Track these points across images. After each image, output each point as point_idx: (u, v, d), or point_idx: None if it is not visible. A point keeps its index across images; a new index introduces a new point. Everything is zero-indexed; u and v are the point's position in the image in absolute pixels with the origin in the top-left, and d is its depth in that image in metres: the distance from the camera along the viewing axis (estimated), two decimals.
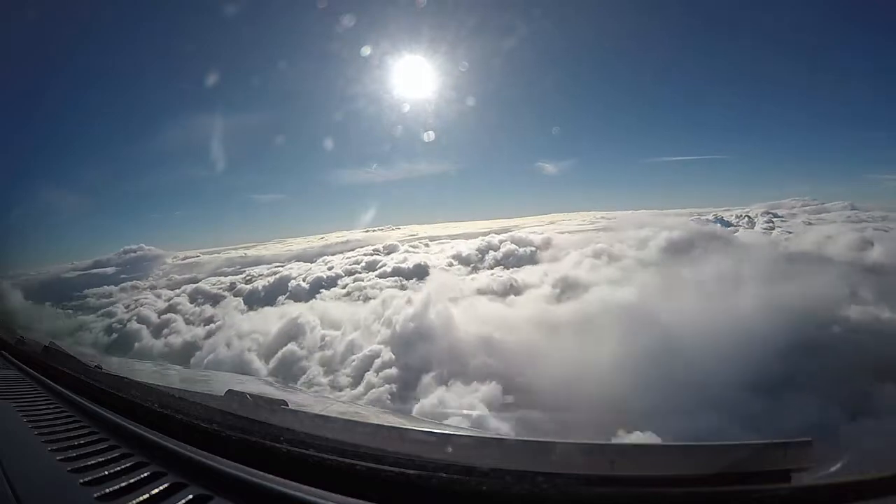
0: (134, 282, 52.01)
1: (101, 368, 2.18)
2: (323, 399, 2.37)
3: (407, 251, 54.44)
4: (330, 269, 49.16)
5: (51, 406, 1.83)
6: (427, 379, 25.73)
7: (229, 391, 1.70)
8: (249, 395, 1.65)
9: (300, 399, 2.27)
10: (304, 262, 53.42)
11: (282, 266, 53.24)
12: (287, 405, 1.61)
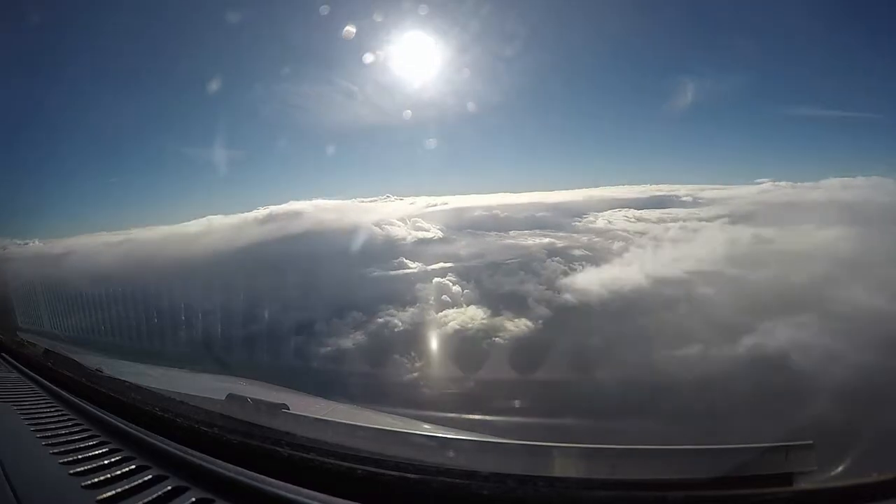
0: None
1: (102, 372, 2.18)
2: (324, 403, 2.37)
3: None
4: None
5: (52, 409, 1.83)
6: None
7: (230, 395, 1.70)
8: (250, 398, 1.65)
9: (301, 403, 2.27)
10: None
11: None
12: (288, 409, 1.61)
